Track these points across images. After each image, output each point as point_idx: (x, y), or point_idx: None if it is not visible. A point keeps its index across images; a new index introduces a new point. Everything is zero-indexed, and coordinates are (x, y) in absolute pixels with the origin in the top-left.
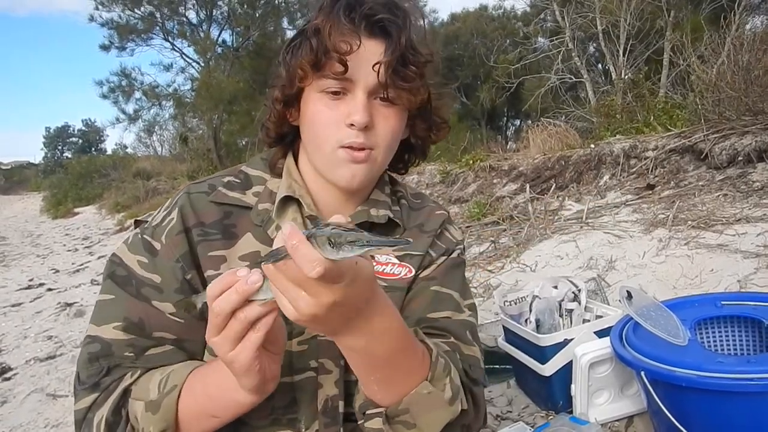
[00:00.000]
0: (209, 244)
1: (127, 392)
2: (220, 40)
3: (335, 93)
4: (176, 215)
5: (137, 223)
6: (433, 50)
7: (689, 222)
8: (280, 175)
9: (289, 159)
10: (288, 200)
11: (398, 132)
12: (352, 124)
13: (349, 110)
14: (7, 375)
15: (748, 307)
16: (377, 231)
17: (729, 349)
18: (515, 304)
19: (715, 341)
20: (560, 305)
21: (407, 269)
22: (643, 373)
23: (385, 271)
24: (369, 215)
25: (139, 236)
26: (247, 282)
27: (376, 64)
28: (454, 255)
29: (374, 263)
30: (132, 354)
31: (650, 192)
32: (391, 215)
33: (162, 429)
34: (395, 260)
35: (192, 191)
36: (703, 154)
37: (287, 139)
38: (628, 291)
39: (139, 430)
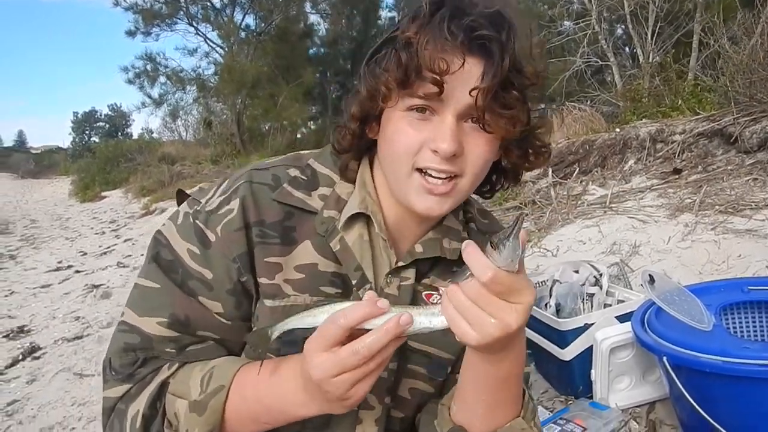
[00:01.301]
0: (267, 248)
1: (164, 385)
2: (243, 24)
3: (422, 111)
4: (237, 207)
5: (181, 195)
6: (539, 68)
7: (716, 207)
8: (349, 180)
9: (365, 167)
10: (356, 215)
11: (490, 160)
12: (436, 151)
13: (436, 134)
14: (37, 354)
15: None
16: (441, 266)
17: (756, 335)
18: (536, 288)
19: (741, 327)
20: (582, 290)
21: None
22: (665, 359)
23: None
24: (442, 248)
25: (191, 220)
26: (400, 321)
27: (473, 89)
28: None
29: (438, 296)
30: (173, 350)
31: (677, 177)
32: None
33: (208, 431)
34: None
35: (255, 180)
36: (733, 138)
37: (362, 148)
38: (650, 275)
39: (179, 428)
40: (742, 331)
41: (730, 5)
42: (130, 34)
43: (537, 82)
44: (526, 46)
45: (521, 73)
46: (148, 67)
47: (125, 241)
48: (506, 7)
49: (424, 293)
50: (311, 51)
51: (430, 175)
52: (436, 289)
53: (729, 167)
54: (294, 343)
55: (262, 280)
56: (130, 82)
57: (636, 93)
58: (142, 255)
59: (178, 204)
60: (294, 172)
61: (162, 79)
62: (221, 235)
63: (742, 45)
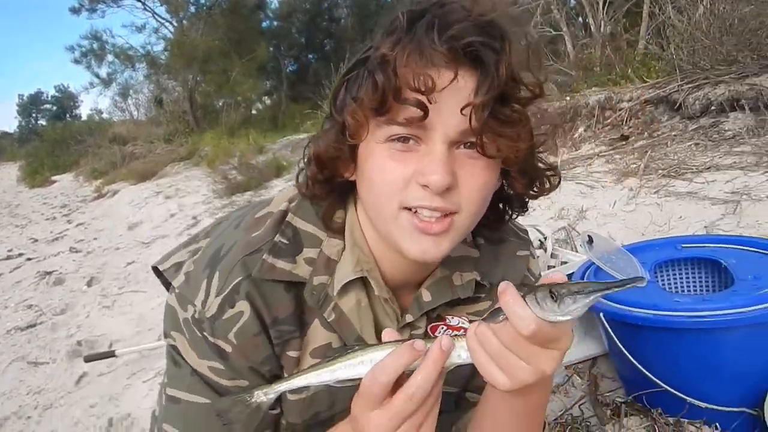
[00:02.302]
0: (287, 344)
1: None
2: None
3: (404, 140)
4: (247, 310)
5: (157, 273)
6: (541, 77)
7: (660, 171)
8: (336, 231)
9: (352, 216)
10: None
11: (490, 190)
12: (426, 186)
13: (424, 166)
14: None
15: (707, 249)
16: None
17: (688, 290)
18: None
19: (674, 283)
20: None
21: None
22: (602, 314)
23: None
24: (452, 287)
25: (198, 333)
26: (442, 347)
27: (466, 106)
28: None
29: (445, 327)
30: None
31: (624, 143)
32: (479, 278)
33: None
34: (467, 325)
35: (254, 272)
36: (677, 105)
37: (341, 190)
38: (589, 236)
39: None
40: (675, 287)
41: None
42: (75, 11)
43: (540, 93)
44: (523, 54)
45: (520, 85)
46: (95, 45)
47: (77, 225)
48: (498, 13)
49: (429, 327)
50: (264, 24)
51: (418, 213)
52: (443, 318)
53: (673, 133)
54: (323, 423)
55: (286, 375)
56: (76, 61)
57: (588, 62)
58: (95, 239)
59: (158, 276)
60: (277, 237)
61: (110, 57)
62: (237, 343)
63: (687, 15)
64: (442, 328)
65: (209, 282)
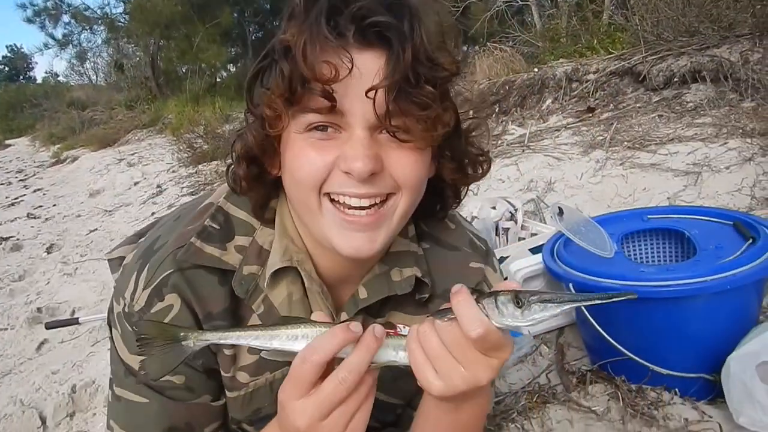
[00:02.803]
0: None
1: None
2: None
3: (323, 129)
4: (177, 303)
5: (112, 263)
6: (458, 56)
7: (625, 143)
8: (270, 222)
9: (283, 206)
10: (282, 268)
11: (423, 169)
12: (348, 173)
13: (345, 152)
14: None
15: (672, 220)
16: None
17: (654, 260)
18: None
19: (641, 253)
20: (497, 225)
21: None
22: (570, 285)
23: None
24: (390, 284)
25: (128, 326)
26: (375, 334)
27: (369, 90)
28: None
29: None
30: None
31: (590, 115)
32: (419, 274)
33: None
34: None
35: (183, 263)
36: (642, 76)
37: (271, 184)
38: (559, 207)
39: None
40: (641, 257)
41: None
42: None
43: (457, 72)
44: (435, 31)
45: (434, 63)
46: (49, 4)
47: (35, 191)
48: None
49: None
50: None
51: (349, 206)
52: (393, 327)
53: (638, 105)
54: (265, 419)
55: (222, 372)
56: (29, 20)
57: (554, 33)
58: (54, 205)
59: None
60: (206, 221)
61: (66, 18)
62: None
63: None
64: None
65: (138, 275)
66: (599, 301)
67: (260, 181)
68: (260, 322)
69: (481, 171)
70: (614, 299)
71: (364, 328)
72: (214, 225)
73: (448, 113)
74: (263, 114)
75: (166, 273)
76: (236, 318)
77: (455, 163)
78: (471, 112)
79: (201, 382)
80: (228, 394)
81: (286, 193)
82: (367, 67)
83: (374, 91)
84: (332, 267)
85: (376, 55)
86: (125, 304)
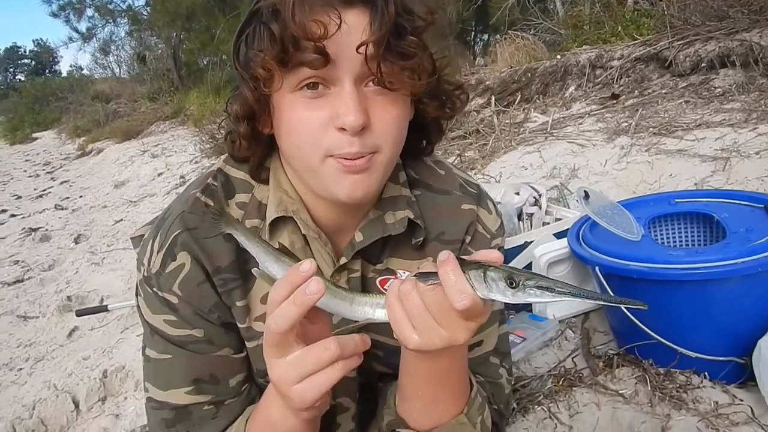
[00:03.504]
0: (231, 294)
1: None
2: None
3: (314, 86)
4: (188, 261)
5: (134, 241)
6: (432, 6)
7: (651, 129)
8: (266, 181)
9: (275, 163)
10: (281, 219)
11: (404, 122)
12: (342, 128)
13: (337, 109)
14: None
15: (701, 203)
16: (393, 242)
17: (681, 244)
18: None
19: (668, 237)
20: (521, 210)
21: None
22: (597, 268)
23: None
24: (384, 226)
25: (149, 288)
26: (307, 291)
27: (360, 45)
28: None
29: (395, 280)
30: (212, 408)
31: (614, 102)
32: (412, 215)
33: None
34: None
35: (191, 225)
36: (668, 62)
37: (265, 146)
38: (585, 191)
39: None
40: (668, 241)
41: None
42: None
43: (433, 21)
44: None
45: (413, 15)
46: None
47: (62, 183)
48: None
49: (378, 279)
50: None
51: (344, 158)
52: (393, 273)
53: (664, 91)
54: None
55: (239, 324)
56: (54, 15)
57: (577, 20)
58: (81, 196)
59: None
60: (208, 180)
61: (89, 11)
62: (182, 293)
63: None
64: (392, 281)
65: (153, 241)
66: (603, 302)
67: (256, 141)
68: None
69: (459, 104)
70: (622, 304)
71: (364, 273)
72: (215, 183)
73: (427, 58)
74: (257, 74)
75: (176, 233)
76: (243, 272)
77: (437, 101)
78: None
79: (219, 334)
80: (247, 344)
81: (279, 150)
82: (354, 24)
83: (364, 46)
84: (328, 215)
85: (360, 12)
86: (144, 270)
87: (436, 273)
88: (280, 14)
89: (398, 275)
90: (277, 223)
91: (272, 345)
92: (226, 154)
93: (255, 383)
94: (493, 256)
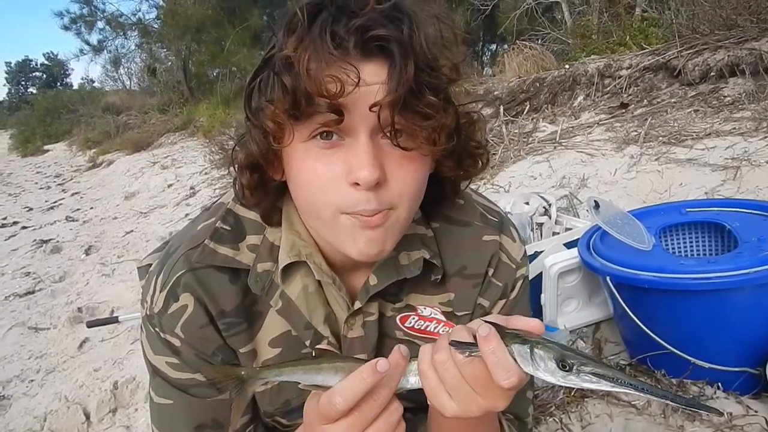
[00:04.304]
0: (236, 338)
1: None
2: None
3: (327, 136)
4: (191, 303)
5: (141, 271)
6: (457, 57)
7: (660, 138)
8: (278, 225)
9: (289, 203)
10: (294, 263)
11: (422, 177)
12: (356, 183)
13: (351, 163)
14: None
15: (712, 212)
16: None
17: (693, 253)
18: None
19: (679, 247)
20: (531, 220)
21: None
22: (608, 278)
23: (428, 329)
24: (399, 268)
25: (151, 328)
26: (401, 352)
27: (373, 105)
28: (516, 290)
29: (416, 317)
30: None
31: (623, 111)
32: (428, 255)
33: None
34: (441, 317)
35: (195, 264)
36: (677, 71)
37: (276, 190)
38: (595, 201)
39: None
40: (680, 250)
41: None
42: None
43: (457, 77)
44: (436, 36)
45: (435, 71)
46: (85, 11)
47: (73, 194)
48: None
49: (398, 317)
50: None
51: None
52: (414, 309)
53: (673, 100)
54: (297, 410)
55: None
56: (65, 28)
57: (585, 30)
58: (91, 208)
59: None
60: (218, 223)
61: (100, 24)
62: (184, 336)
63: None
64: (413, 318)
65: (157, 278)
66: (670, 401)
67: (264, 189)
68: (281, 318)
69: (480, 165)
70: (693, 408)
71: (382, 312)
72: (225, 226)
73: (450, 117)
74: (266, 127)
75: (179, 273)
76: (250, 314)
77: (454, 159)
78: (469, 105)
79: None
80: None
81: (292, 198)
82: (371, 77)
83: (378, 107)
84: (342, 258)
85: (378, 66)
86: (147, 308)
87: (473, 343)
88: (294, 66)
89: (419, 311)
90: (290, 267)
91: (323, 416)
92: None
93: (261, 423)
94: (532, 325)
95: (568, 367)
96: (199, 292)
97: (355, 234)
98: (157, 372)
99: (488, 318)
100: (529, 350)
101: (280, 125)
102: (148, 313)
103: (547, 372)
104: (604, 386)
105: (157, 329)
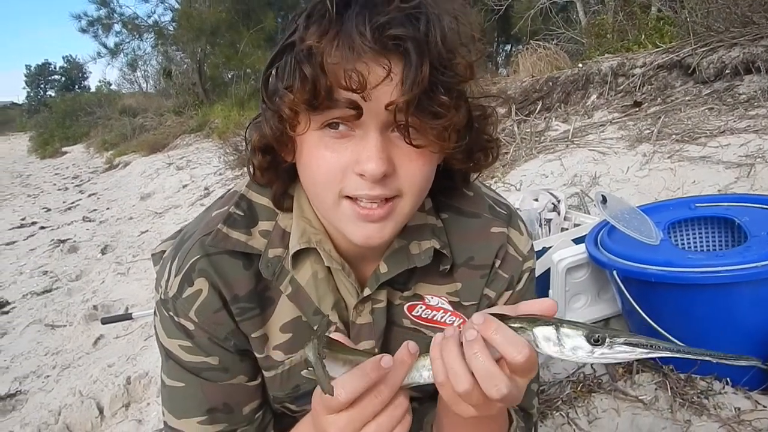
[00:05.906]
0: (249, 323)
1: None
2: None
3: (337, 126)
4: (205, 288)
5: (155, 257)
6: (473, 58)
7: (673, 136)
8: (289, 209)
9: (300, 190)
10: (304, 249)
11: (430, 170)
12: (362, 174)
13: (359, 154)
14: (5, 309)
15: (721, 207)
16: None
17: (702, 248)
18: None
19: (688, 241)
20: (540, 216)
21: (461, 320)
22: (615, 272)
23: (435, 318)
24: (409, 257)
25: (165, 312)
26: (410, 349)
27: (389, 104)
28: (522, 282)
29: (424, 306)
30: None
31: (637, 109)
32: (438, 245)
33: None
34: (448, 307)
35: (211, 250)
36: (691, 69)
37: (288, 172)
38: (603, 196)
39: None
40: (689, 245)
41: None
42: None
43: (471, 76)
44: (454, 35)
45: (450, 70)
46: (102, 12)
47: (90, 195)
48: None
49: (406, 306)
50: None
51: (358, 199)
52: (422, 298)
53: (687, 98)
54: (306, 395)
55: (256, 353)
56: (83, 30)
57: (600, 29)
58: (108, 209)
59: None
60: (231, 208)
61: (117, 27)
62: (198, 320)
63: None
64: (421, 306)
65: (171, 263)
66: (708, 358)
67: (275, 170)
68: (291, 304)
69: (491, 158)
70: (731, 361)
71: (390, 300)
72: (239, 212)
73: (461, 114)
74: (282, 113)
75: (194, 259)
76: (262, 300)
77: (465, 152)
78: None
79: (235, 362)
80: (265, 373)
81: (301, 182)
82: (389, 78)
83: (393, 105)
84: (351, 245)
85: (396, 67)
86: (161, 292)
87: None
88: (315, 57)
89: (426, 300)
90: (300, 253)
91: (327, 407)
92: (249, 181)
93: (270, 409)
94: (546, 305)
95: (600, 341)
96: (214, 277)
97: (356, 224)
98: (170, 355)
99: (494, 309)
100: (554, 330)
101: (297, 113)
102: (162, 297)
103: (575, 350)
104: (639, 354)
105: (171, 313)
